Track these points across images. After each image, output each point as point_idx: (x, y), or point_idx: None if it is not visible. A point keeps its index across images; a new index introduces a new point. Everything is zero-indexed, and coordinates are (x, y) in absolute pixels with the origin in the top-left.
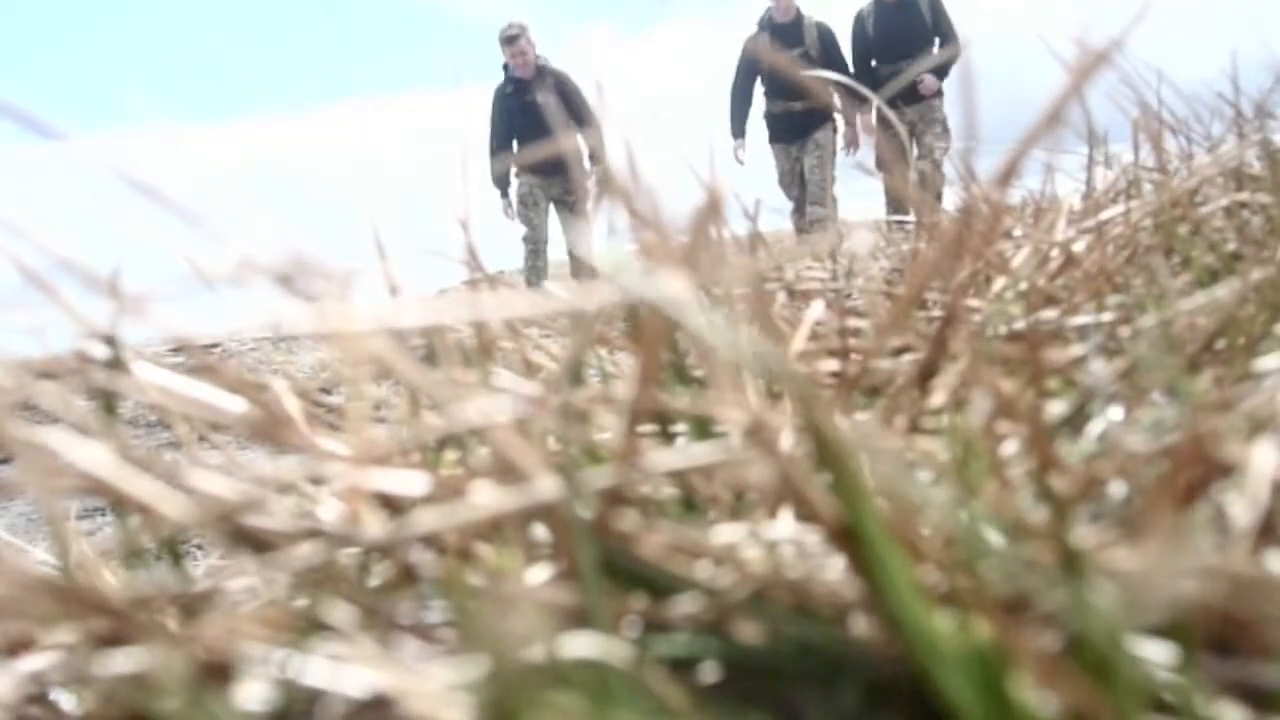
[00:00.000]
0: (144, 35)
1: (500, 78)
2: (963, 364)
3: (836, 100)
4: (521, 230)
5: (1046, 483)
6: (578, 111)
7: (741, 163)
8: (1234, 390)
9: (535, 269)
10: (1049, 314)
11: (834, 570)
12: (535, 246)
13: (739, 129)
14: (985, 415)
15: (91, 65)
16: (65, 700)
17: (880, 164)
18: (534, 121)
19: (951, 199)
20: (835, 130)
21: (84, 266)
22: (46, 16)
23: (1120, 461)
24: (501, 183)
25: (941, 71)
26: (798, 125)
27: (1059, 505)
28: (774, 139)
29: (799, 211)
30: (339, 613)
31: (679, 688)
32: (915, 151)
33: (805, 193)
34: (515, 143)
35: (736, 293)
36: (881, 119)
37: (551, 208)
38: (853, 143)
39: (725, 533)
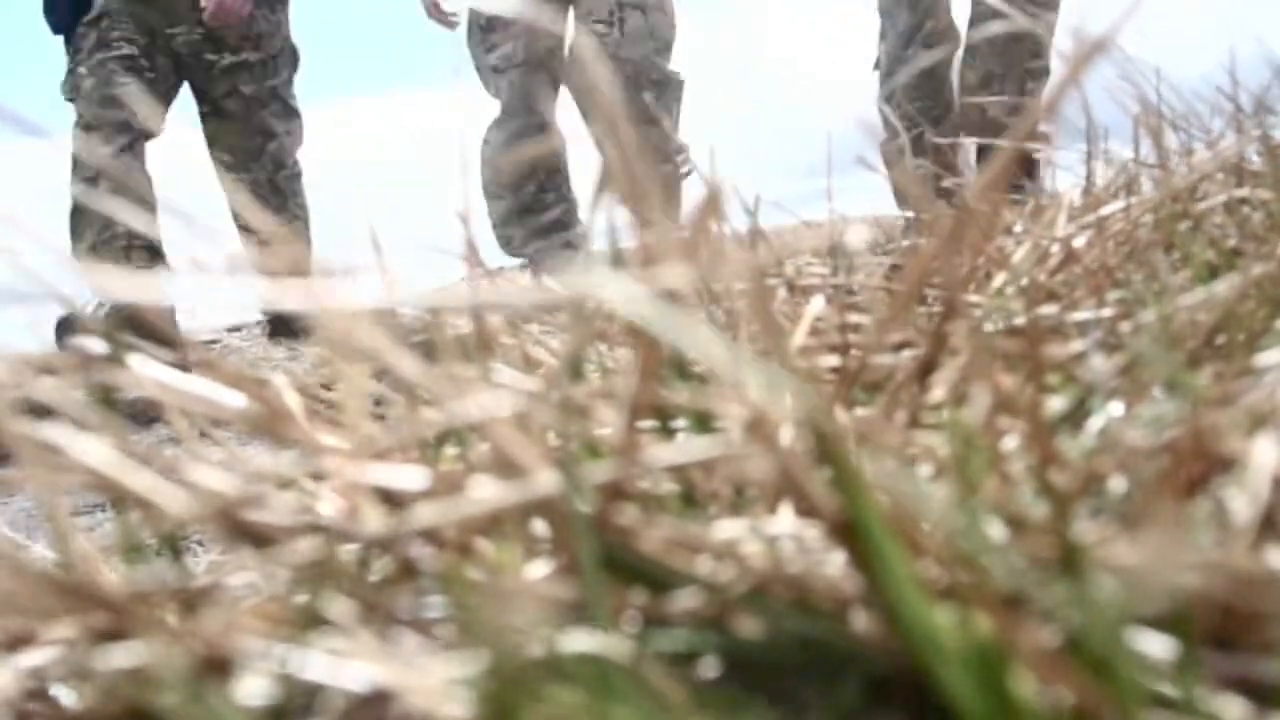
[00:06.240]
0: None
1: None
2: (963, 359)
3: None
4: (86, 112)
5: (1047, 478)
6: None
7: (450, 19)
8: (1234, 385)
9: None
10: (1049, 309)
11: (834, 565)
12: (112, 147)
13: None
14: (985, 410)
15: None
16: (65, 695)
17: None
18: None
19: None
20: None
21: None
22: None
23: (1121, 457)
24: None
25: None
26: None
27: (1059, 500)
28: None
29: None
30: (339, 607)
31: (679, 683)
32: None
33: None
34: None
35: (736, 288)
36: None
37: (177, 84)
38: None
39: (725, 528)
